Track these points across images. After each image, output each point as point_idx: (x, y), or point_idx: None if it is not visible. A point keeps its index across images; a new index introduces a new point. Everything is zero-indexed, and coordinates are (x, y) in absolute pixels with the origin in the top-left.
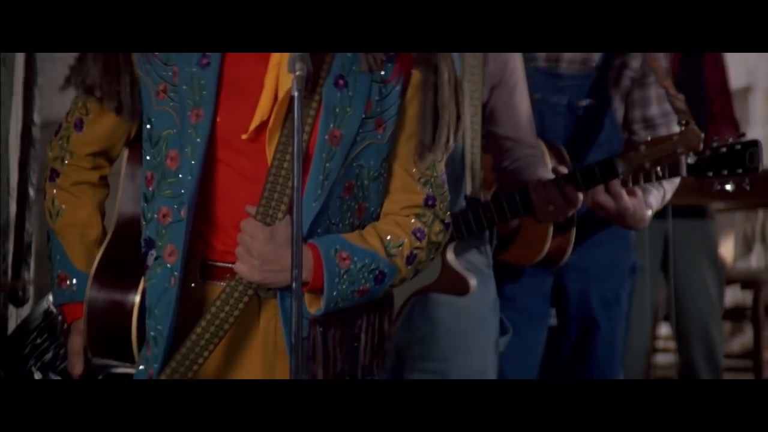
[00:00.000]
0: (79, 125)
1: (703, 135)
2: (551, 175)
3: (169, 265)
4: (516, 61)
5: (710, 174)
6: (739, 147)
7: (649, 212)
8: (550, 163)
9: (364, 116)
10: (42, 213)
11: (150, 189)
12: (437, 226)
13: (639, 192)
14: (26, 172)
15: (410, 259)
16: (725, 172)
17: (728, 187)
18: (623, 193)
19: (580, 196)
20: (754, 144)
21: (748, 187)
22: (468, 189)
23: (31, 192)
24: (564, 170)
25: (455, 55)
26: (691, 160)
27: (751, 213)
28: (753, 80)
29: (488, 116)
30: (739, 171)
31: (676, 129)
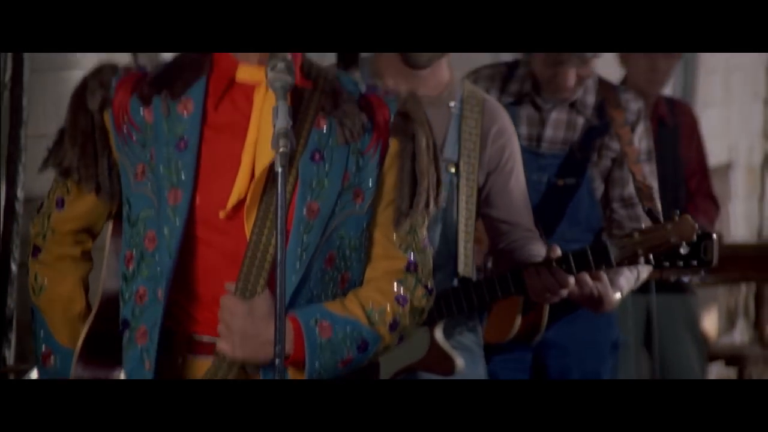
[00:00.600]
0: (60, 203)
1: (697, 225)
2: (544, 254)
3: (140, 346)
4: (514, 145)
5: (666, 264)
6: (695, 240)
7: (618, 295)
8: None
9: (341, 188)
10: (23, 288)
11: (129, 269)
12: (420, 291)
13: (604, 276)
14: (8, 247)
15: (393, 325)
16: (681, 264)
17: (685, 279)
18: (587, 278)
19: (572, 279)
20: (709, 237)
21: (701, 280)
22: (461, 268)
23: (13, 267)
24: (557, 252)
25: (454, 109)
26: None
27: (734, 287)
28: (734, 156)
29: (484, 199)
30: (695, 263)
31: (657, 206)
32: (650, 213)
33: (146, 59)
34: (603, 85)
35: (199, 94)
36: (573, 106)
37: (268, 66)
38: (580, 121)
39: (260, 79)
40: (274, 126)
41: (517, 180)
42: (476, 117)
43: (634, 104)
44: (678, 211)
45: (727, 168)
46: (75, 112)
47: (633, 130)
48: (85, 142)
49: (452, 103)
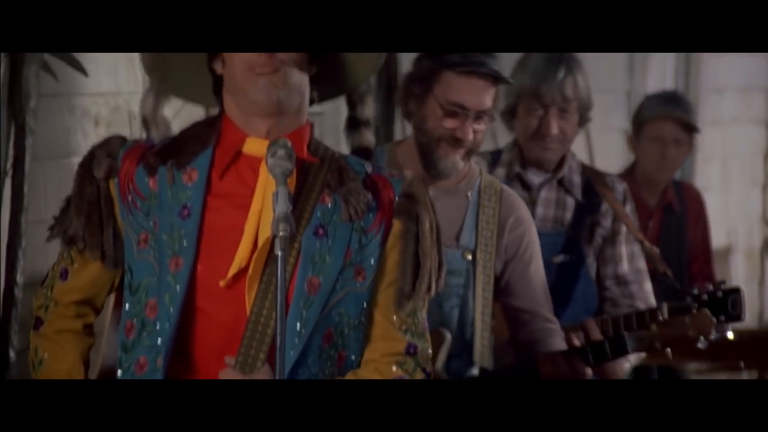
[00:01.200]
0: (64, 274)
1: (715, 320)
2: (564, 347)
3: None
4: (532, 234)
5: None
6: (720, 294)
7: (627, 365)
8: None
9: (343, 265)
10: (21, 375)
11: (129, 339)
12: (419, 375)
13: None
14: (7, 333)
15: None
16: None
17: (712, 337)
18: (604, 370)
19: (589, 370)
20: (737, 291)
21: (730, 336)
22: (477, 357)
23: (12, 354)
24: (576, 342)
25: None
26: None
27: (734, 374)
28: (733, 241)
29: (503, 288)
30: (722, 318)
31: (649, 286)
32: (666, 276)
33: (156, 134)
34: (586, 168)
35: (205, 164)
36: (561, 184)
37: (268, 152)
38: (570, 200)
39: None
40: (274, 210)
41: (537, 269)
42: (494, 206)
43: (619, 185)
44: (696, 305)
45: (726, 252)
46: (81, 181)
47: (622, 205)
48: (90, 211)
49: (470, 193)
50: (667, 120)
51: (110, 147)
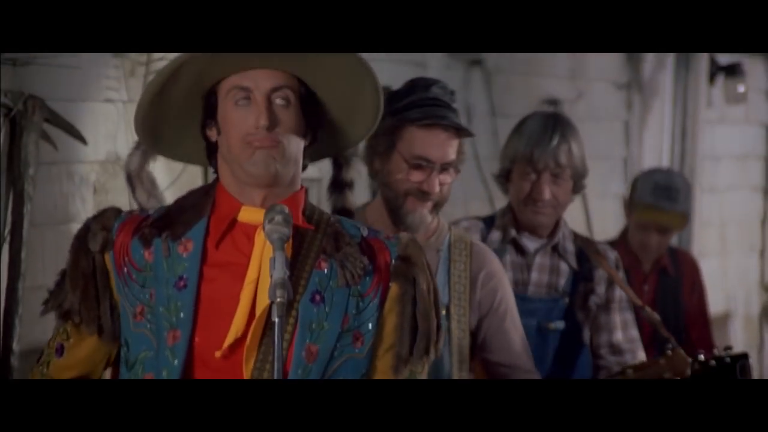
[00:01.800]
0: (60, 350)
1: (690, 360)
2: None
3: None
4: (505, 288)
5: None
6: (728, 360)
7: None
8: None
9: (341, 331)
10: None
11: None
12: None
13: None
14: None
15: None
16: None
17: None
18: None
19: None
20: (745, 357)
21: None
22: None
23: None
24: None
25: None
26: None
27: None
28: (732, 307)
29: (480, 344)
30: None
31: (642, 355)
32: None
33: (141, 192)
34: (578, 237)
35: (200, 234)
36: (555, 250)
37: (265, 218)
38: (564, 266)
39: (262, 220)
40: (272, 276)
41: (513, 322)
42: (464, 260)
43: (610, 253)
44: (670, 346)
45: (725, 318)
46: (76, 253)
47: None
48: (86, 284)
49: (440, 248)
50: (653, 213)
51: (105, 219)
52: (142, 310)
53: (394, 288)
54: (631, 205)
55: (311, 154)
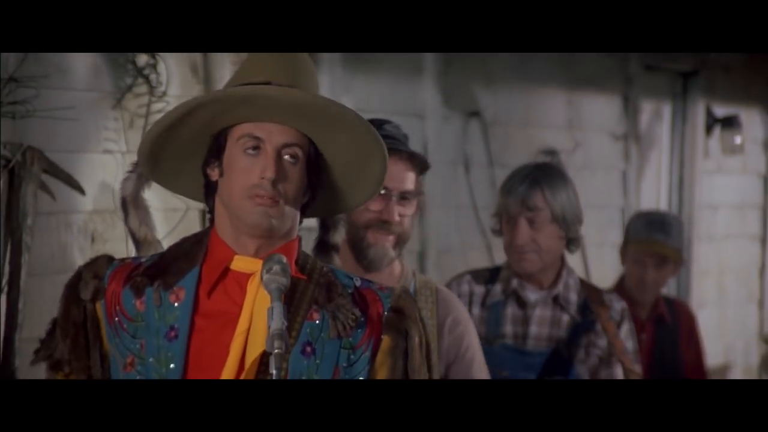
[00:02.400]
0: None
1: None
2: None
3: None
4: (471, 334)
5: None
6: None
7: None
8: None
9: None
10: None
11: None
12: None
13: None
14: None
15: None
16: None
17: None
18: None
19: None
20: None
21: None
22: None
23: None
24: None
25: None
26: None
27: None
28: (731, 358)
29: None
30: None
31: None
32: None
33: (135, 218)
34: (585, 285)
35: (192, 282)
36: (556, 302)
37: (263, 268)
38: (565, 318)
39: (255, 269)
40: (269, 327)
41: (480, 369)
42: (430, 307)
43: (617, 304)
44: None
45: (724, 369)
46: (67, 302)
47: (618, 327)
48: (76, 334)
49: None
50: (648, 245)
51: (97, 267)
52: (132, 361)
53: (386, 340)
54: (626, 245)
55: (310, 212)
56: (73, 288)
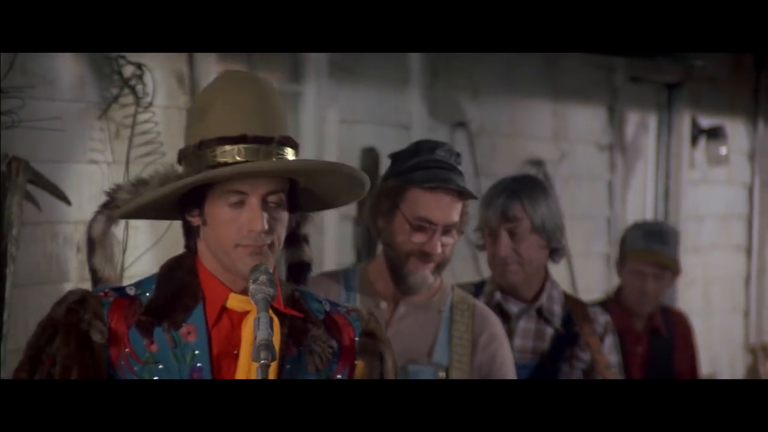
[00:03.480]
0: None
1: None
2: None
3: None
4: (505, 351)
5: None
6: None
7: None
8: None
9: None
10: None
11: None
12: None
13: None
14: None
15: None
16: None
17: None
18: None
19: None
20: None
21: None
22: None
23: None
24: None
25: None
26: None
27: None
28: (717, 368)
29: None
30: None
31: None
32: None
33: (101, 257)
34: (569, 299)
35: (200, 319)
36: (540, 314)
37: (250, 278)
38: (549, 330)
39: (249, 308)
40: (255, 337)
41: None
42: (467, 322)
43: (601, 317)
44: None
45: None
46: (71, 342)
47: (602, 340)
48: (85, 374)
49: (442, 308)
50: (647, 255)
51: (92, 307)
52: None
53: (360, 365)
54: (623, 256)
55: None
56: (74, 327)
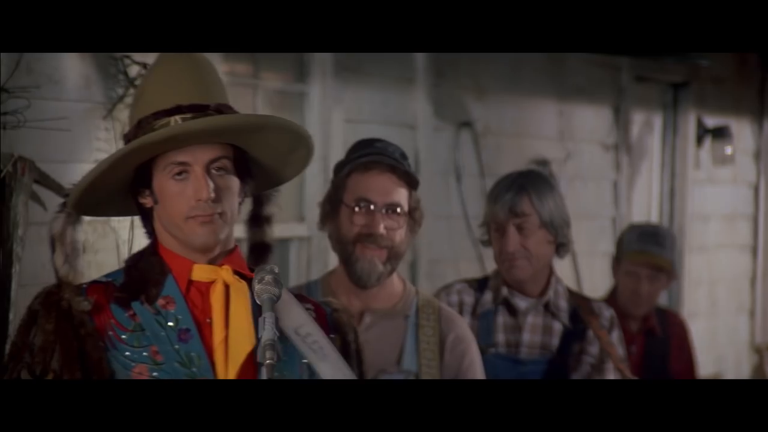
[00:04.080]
0: None
1: None
2: None
3: None
4: (473, 352)
5: None
6: None
7: None
8: None
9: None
10: None
11: None
12: None
13: None
14: None
15: None
16: None
17: None
18: None
19: None
20: None
21: None
22: None
23: None
24: None
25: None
26: None
27: None
28: (722, 368)
29: None
30: None
31: None
32: None
33: (60, 255)
34: (573, 295)
35: (174, 289)
36: (548, 309)
37: (255, 278)
38: (557, 326)
39: (215, 277)
40: (260, 338)
41: None
42: (433, 325)
43: (606, 311)
44: None
45: (715, 378)
46: (51, 318)
47: (609, 333)
48: (69, 346)
49: (408, 314)
50: (641, 256)
51: (71, 287)
52: (142, 370)
53: (337, 340)
54: (619, 256)
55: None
56: (53, 306)
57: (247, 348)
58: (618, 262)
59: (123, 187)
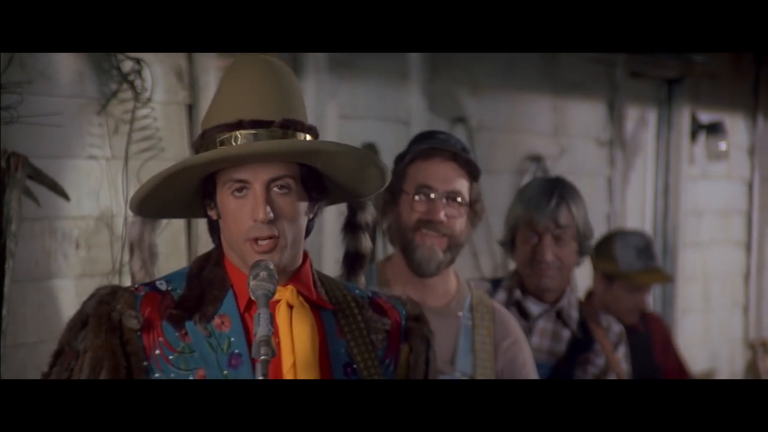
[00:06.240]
0: None
1: None
2: None
3: None
4: (526, 353)
5: None
6: None
7: None
8: None
9: None
10: None
11: None
12: None
13: None
14: None
15: None
16: None
17: None
18: None
19: None
20: None
21: None
22: None
23: None
24: None
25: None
26: None
27: None
28: (716, 364)
29: None
30: None
31: None
32: None
33: (138, 260)
34: (582, 305)
35: (232, 307)
36: (559, 316)
37: (250, 274)
38: (566, 333)
39: (278, 297)
40: (255, 333)
41: None
42: (488, 326)
43: (615, 326)
44: None
45: (709, 376)
46: (101, 331)
47: (615, 348)
48: (116, 364)
49: (461, 313)
50: (653, 277)
51: (125, 299)
52: None
53: (405, 350)
54: (612, 273)
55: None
56: (105, 317)
57: (312, 376)
58: (611, 279)
59: (189, 193)
